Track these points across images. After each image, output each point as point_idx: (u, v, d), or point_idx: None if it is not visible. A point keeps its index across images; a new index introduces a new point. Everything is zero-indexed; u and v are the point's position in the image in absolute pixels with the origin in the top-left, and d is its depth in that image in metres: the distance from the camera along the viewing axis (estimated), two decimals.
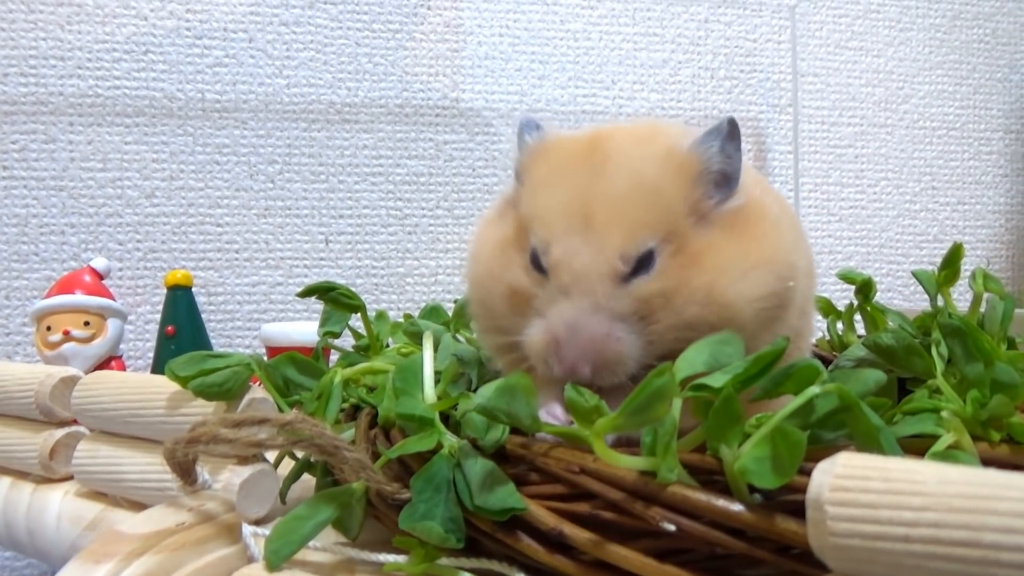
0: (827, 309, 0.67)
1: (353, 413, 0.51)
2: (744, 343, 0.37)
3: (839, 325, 0.67)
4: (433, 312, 0.68)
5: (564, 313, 0.39)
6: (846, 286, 0.63)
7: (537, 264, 0.41)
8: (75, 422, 0.57)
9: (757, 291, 0.40)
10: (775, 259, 0.41)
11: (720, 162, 0.42)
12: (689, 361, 0.35)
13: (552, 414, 0.40)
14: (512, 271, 0.43)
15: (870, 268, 1.20)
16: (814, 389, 0.34)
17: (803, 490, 0.28)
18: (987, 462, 0.37)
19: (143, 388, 0.50)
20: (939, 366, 0.42)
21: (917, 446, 0.36)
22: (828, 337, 0.68)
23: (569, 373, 0.39)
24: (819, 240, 1.20)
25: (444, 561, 0.36)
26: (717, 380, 0.34)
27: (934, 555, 0.24)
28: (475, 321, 0.49)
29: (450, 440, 0.39)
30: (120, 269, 0.98)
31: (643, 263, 0.39)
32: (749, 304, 0.40)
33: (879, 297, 0.62)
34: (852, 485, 0.26)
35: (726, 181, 0.42)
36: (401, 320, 0.64)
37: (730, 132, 0.42)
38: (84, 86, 0.98)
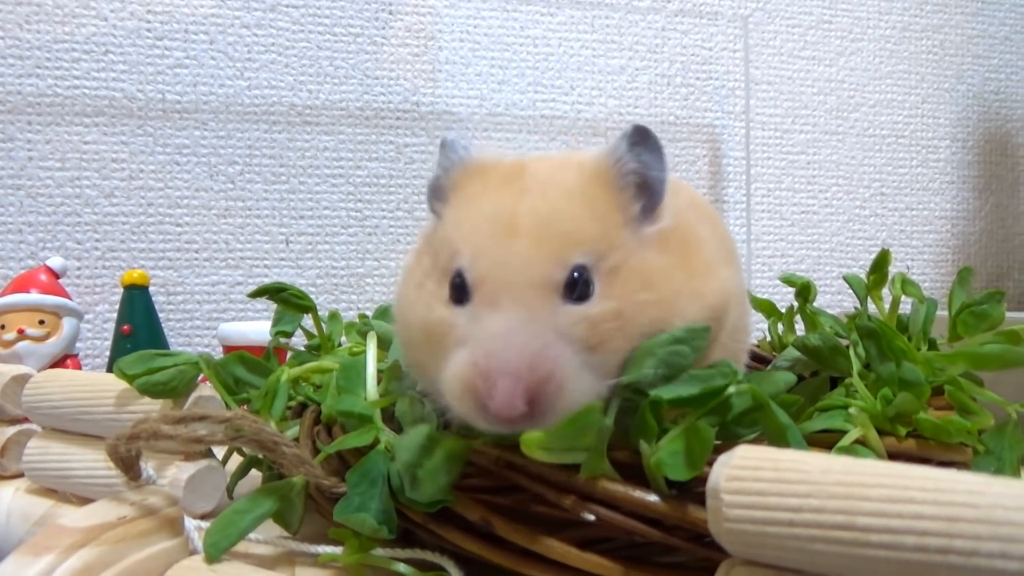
0: (769, 311, 0.69)
1: (300, 411, 0.52)
2: None
3: (780, 327, 0.69)
4: (386, 312, 0.69)
5: (493, 327, 0.34)
6: (791, 290, 0.65)
7: (459, 291, 0.37)
8: (26, 420, 0.58)
9: (689, 317, 0.38)
10: (707, 289, 0.40)
11: (632, 163, 0.40)
12: (638, 365, 0.35)
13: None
14: (429, 304, 0.39)
15: (820, 271, 1.23)
16: (729, 389, 0.36)
17: None
18: (895, 456, 0.39)
19: (93, 386, 0.50)
20: (856, 365, 0.44)
21: (827, 440, 0.39)
22: (769, 338, 0.70)
23: (502, 411, 0.33)
24: (771, 244, 1.22)
25: (379, 552, 0.38)
26: (665, 393, 0.34)
27: (815, 538, 0.26)
28: (407, 359, 0.44)
29: (387, 436, 0.40)
30: (78, 268, 0.98)
31: (579, 282, 0.36)
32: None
33: (828, 300, 0.65)
34: (746, 475, 0.28)
35: (647, 187, 0.40)
36: (356, 320, 0.65)
37: (636, 135, 0.40)
38: (43, 85, 0.98)
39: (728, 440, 0.36)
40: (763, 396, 0.35)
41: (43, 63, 0.98)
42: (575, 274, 0.36)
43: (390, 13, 1.08)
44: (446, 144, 0.43)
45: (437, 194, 0.43)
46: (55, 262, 0.87)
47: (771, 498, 0.27)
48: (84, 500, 0.51)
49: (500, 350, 0.33)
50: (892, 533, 0.24)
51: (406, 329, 0.42)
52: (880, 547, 0.24)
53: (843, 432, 0.39)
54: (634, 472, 0.36)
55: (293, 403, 0.52)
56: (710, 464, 0.32)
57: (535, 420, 0.33)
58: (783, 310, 0.69)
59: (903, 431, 0.39)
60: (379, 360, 0.49)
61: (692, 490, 0.35)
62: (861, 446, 0.38)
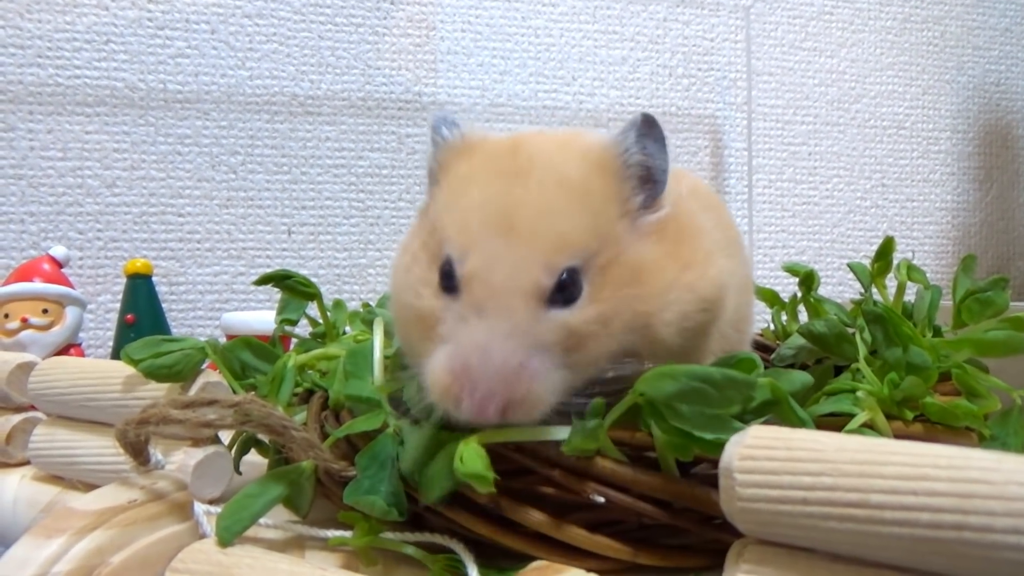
0: (772, 300, 0.70)
1: (307, 397, 0.52)
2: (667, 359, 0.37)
3: (783, 315, 0.69)
4: None
5: (476, 335, 0.35)
6: (793, 280, 0.65)
7: (447, 278, 0.37)
8: (32, 408, 0.58)
9: (683, 312, 0.38)
10: (702, 281, 0.39)
11: (638, 154, 0.39)
12: (655, 387, 0.34)
13: None
14: (417, 290, 0.39)
15: (821, 263, 1.23)
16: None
17: None
18: (902, 439, 0.39)
19: (99, 373, 0.50)
20: (862, 350, 0.45)
21: (835, 424, 0.39)
22: (773, 327, 0.70)
23: (475, 415, 0.34)
24: (772, 235, 1.23)
25: (388, 535, 0.38)
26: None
27: (829, 516, 0.26)
28: (400, 339, 0.44)
29: (395, 420, 0.40)
30: (80, 258, 0.98)
31: (567, 286, 0.36)
32: (674, 328, 0.38)
33: (829, 291, 0.65)
34: (759, 454, 0.28)
35: (650, 178, 0.40)
36: (360, 309, 0.65)
37: (644, 126, 0.39)
38: (44, 75, 0.98)
39: None
40: (782, 391, 0.35)
41: (44, 53, 0.98)
42: (563, 277, 0.36)
43: (392, 3, 1.08)
44: (434, 124, 0.42)
45: (432, 175, 0.43)
46: (58, 251, 0.87)
47: (784, 476, 0.27)
48: (91, 487, 0.51)
49: (479, 363, 0.34)
50: (906, 510, 0.24)
51: (398, 309, 0.42)
52: (894, 524, 0.24)
53: (850, 416, 0.39)
54: (636, 448, 0.36)
55: (299, 389, 0.52)
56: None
57: (508, 422, 0.34)
58: (785, 300, 0.69)
59: (910, 415, 0.40)
60: (385, 347, 0.49)
61: (701, 472, 0.35)
62: (869, 429, 0.38)
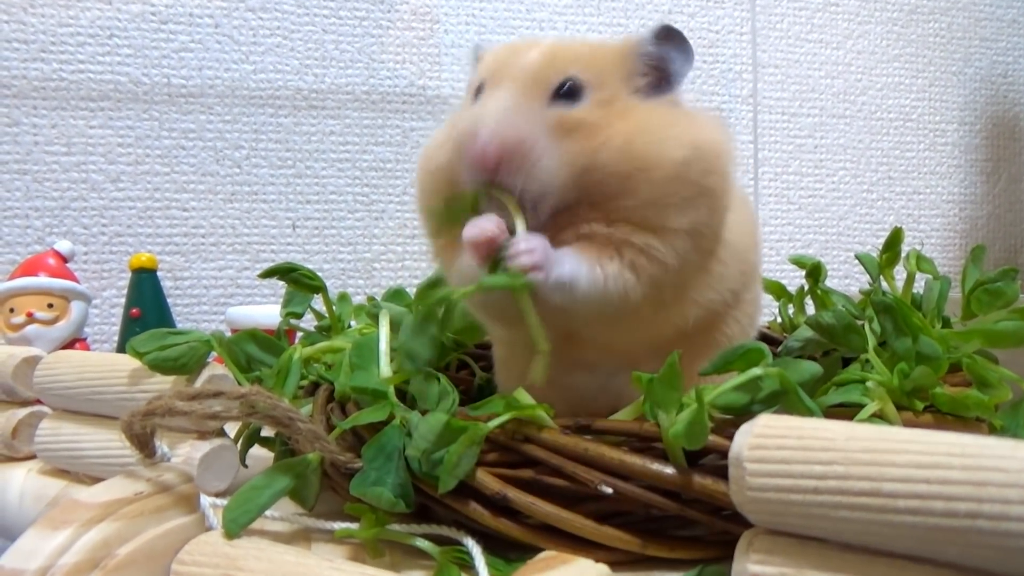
0: (779, 292, 0.69)
1: (312, 389, 0.52)
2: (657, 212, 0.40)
3: (790, 308, 0.69)
4: (396, 295, 0.69)
5: (487, 103, 0.40)
6: (800, 273, 0.65)
7: (477, 91, 0.43)
8: (38, 402, 0.58)
9: (673, 154, 0.40)
10: (700, 139, 0.41)
11: (655, 50, 0.43)
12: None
13: (487, 219, 0.40)
14: (455, 122, 0.44)
15: (828, 255, 1.23)
16: (756, 370, 0.36)
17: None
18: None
19: (104, 366, 0.50)
20: (871, 341, 0.44)
21: (846, 414, 0.39)
22: (780, 319, 0.70)
23: (477, 156, 0.39)
24: (779, 228, 1.22)
25: (394, 527, 0.38)
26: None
27: (840, 505, 0.25)
28: (420, 212, 0.48)
29: (402, 411, 0.40)
30: (85, 253, 0.98)
31: (572, 93, 0.41)
32: (663, 164, 0.40)
33: (836, 283, 0.65)
34: (769, 443, 0.28)
35: (664, 76, 0.44)
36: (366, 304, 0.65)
37: (663, 32, 0.43)
38: (48, 70, 0.97)
39: None
40: (791, 382, 0.35)
41: (48, 47, 0.97)
42: (567, 82, 0.41)
43: None
44: (476, 46, 0.49)
45: (471, 88, 0.47)
46: (63, 246, 0.87)
47: (795, 466, 0.26)
48: (97, 480, 0.51)
49: (485, 116, 0.39)
50: (920, 499, 0.24)
51: (434, 149, 0.45)
52: (907, 513, 0.24)
53: (860, 406, 0.38)
54: (644, 439, 0.36)
55: (305, 382, 0.52)
56: (730, 436, 0.32)
57: (506, 176, 0.39)
58: (792, 292, 0.69)
59: (920, 405, 0.39)
60: (391, 339, 0.49)
61: (710, 463, 0.35)
62: (879, 419, 0.38)
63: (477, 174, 0.39)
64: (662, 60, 0.43)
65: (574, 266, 0.40)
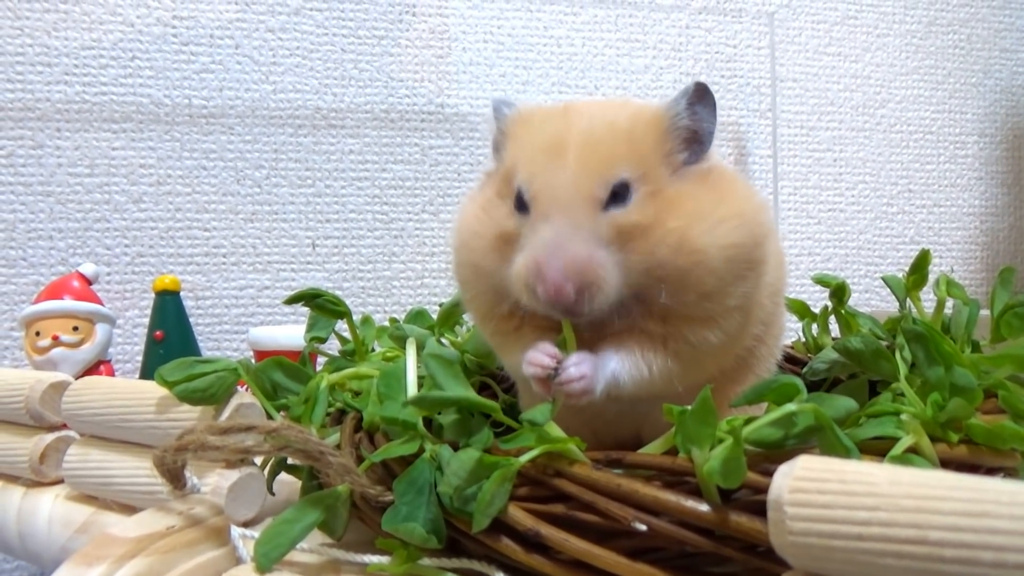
0: (802, 312, 0.69)
1: (339, 417, 0.52)
2: (714, 301, 0.40)
3: (814, 327, 0.69)
4: (418, 316, 0.69)
5: (546, 235, 0.40)
6: (821, 290, 0.65)
7: (520, 203, 0.43)
8: (65, 426, 0.58)
9: (727, 239, 0.41)
10: (745, 213, 0.42)
11: (688, 119, 0.43)
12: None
13: (542, 350, 0.41)
14: (496, 219, 0.44)
15: (848, 270, 1.22)
16: (791, 406, 0.36)
17: (767, 491, 0.29)
18: (946, 463, 0.38)
19: (133, 393, 0.51)
20: (903, 369, 0.44)
21: (879, 447, 0.38)
22: (804, 339, 0.70)
23: (553, 294, 0.39)
24: (798, 243, 1.22)
25: (426, 561, 0.38)
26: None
27: (885, 552, 0.25)
28: (463, 291, 0.49)
29: (432, 444, 0.40)
30: (108, 274, 0.99)
31: (620, 194, 0.41)
32: (719, 252, 0.41)
33: (856, 299, 0.64)
34: (810, 487, 0.27)
35: (696, 140, 0.44)
36: (387, 324, 0.65)
37: (697, 93, 0.43)
38: (71, 92, 0.98)
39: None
40: (827, 418, 0.35)
41: (71, 70, 0.98)
42: (616, 189, 0.41)
43: (413, 15, 1.08)
44: (494, 105, 0.48)
45: (497, 146, 0.48)
46: (87, 268, 0.88)
47: (838, 511, 0.26)
48: (125, 507, 0.51)
49: (551, 255, 0.39)
50: (968, 548, 0.23)
51: (474, 239, 0.46)
52: (955, 562, 0.24)
53: (894, 439, 0.38)
54: (676, 474, 0.36)
55: (331, 409, 0.52)
56: (768, 473, 0.31)
57: (580, 308, 0.39)
58: (814, 309, 0.68)
59: (955, 437, 0.39)
60: (418, 369, 0.49)
61: (744, 499, 0.34)
62: (914, 455, 0.37)
63: (554, 310, 0.40)
64: (696, 123, 0.44)
65: (617, 366, 0.41)
